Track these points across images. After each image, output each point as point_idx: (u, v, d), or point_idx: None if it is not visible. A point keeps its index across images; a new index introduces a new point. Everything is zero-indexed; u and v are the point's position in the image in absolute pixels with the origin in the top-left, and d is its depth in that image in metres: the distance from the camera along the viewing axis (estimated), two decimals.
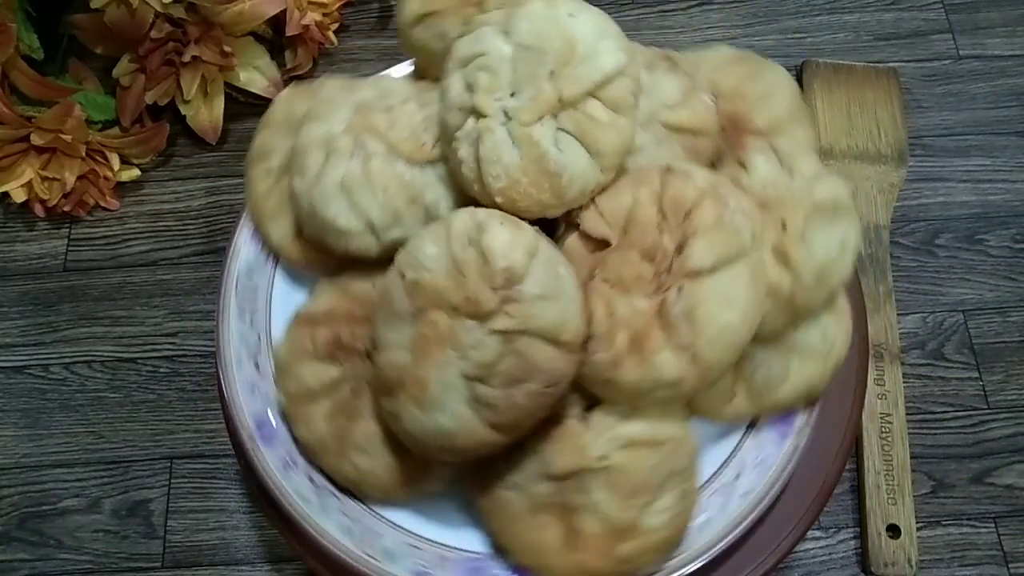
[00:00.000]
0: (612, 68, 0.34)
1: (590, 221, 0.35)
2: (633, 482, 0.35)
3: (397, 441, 0.36)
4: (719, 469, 0.39)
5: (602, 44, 0.34)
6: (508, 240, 0.32)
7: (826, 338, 0.38)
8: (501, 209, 0.34)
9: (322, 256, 0.40)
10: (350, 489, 0.39)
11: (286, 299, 0.42)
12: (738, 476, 0.38)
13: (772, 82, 0.42)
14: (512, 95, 0.34)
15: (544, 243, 0.34)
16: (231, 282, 0.42)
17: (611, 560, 0.35)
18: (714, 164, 0.39)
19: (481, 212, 0.34)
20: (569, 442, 0.35)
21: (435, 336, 0.33)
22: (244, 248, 0.43)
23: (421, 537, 0.38)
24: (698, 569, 0.37)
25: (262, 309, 0.42)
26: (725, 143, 0.39)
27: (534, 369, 0.32)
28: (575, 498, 0.35)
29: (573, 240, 0.35)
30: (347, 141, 0.37)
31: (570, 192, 0.34)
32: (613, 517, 0.35)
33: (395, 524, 0.38)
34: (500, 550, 0.37)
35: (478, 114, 0.34)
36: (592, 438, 0.35)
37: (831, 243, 0.36)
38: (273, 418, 0.40)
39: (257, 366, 0.41)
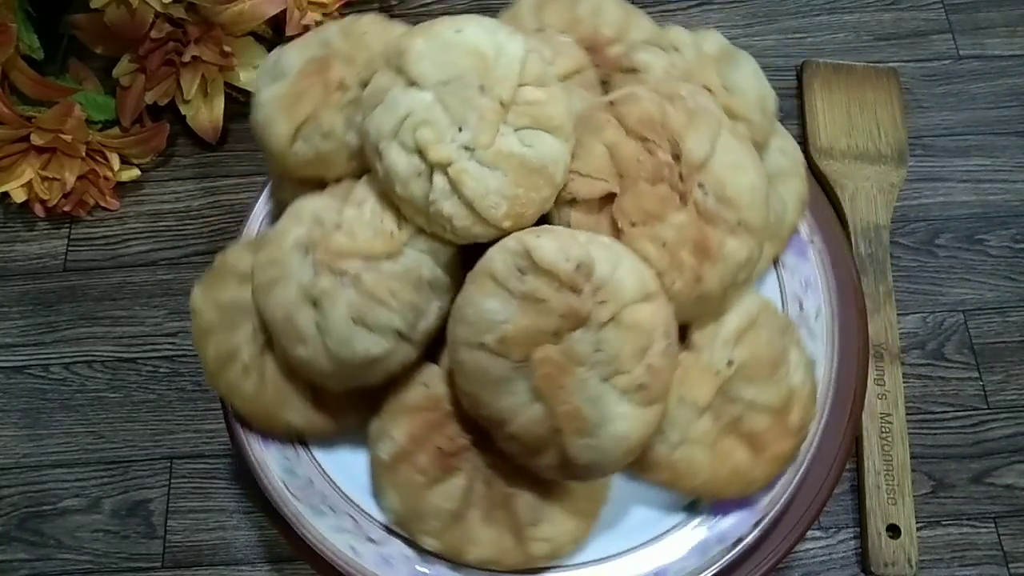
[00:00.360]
0: (521, 52, 0.34)
1: (584, 187, 0.35)
2: (764, 362, 0.37)
3: (557, 488, 0.36)
4: (784, 309, 0.42)
5: (498, 38, 0.34)
6: (556, 244, 0.32)
7: (787, 154, 0.41)
8: (512, 231, 0.34)
9: (352, 405, 0.39)
10: (547, 565, 0.37)
11: (343, 467, 0.40)
12: (801, 306, 0.42)
13: None
14: (460, 130, 0.33)
15: (572, 229, 0.34)
16: (285, 495, 0.39)
17: (791, 436, 0.37)
18: (606, 85, 0.40)
19: (510, 241, 0.33)
20: (694, 373, 0.36)
21: (556, 369, 0.32)
22: (267, 457, 0.40)
23: (628, 550, 0.38)
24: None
25: (332, 493, 0.39)
26: (598, 66, 0.41)
27: (649, 331, 0.33)
28: (732, 410, 0.36)
29: (576, 215, 0.36)
30: (327, 280, 0.35)
31: (559, 175, 0.34)
32: (771, 401, 0.36)
33: (603, 558, 0.38)
34: (695, 502, 0.38)
35: (441, 167, 0.33)
36: (708, 356, 0.36)
37: (749, 79, 0.39)
38: (426, 568, 0.38)
39: (371, 540, 0.38)
